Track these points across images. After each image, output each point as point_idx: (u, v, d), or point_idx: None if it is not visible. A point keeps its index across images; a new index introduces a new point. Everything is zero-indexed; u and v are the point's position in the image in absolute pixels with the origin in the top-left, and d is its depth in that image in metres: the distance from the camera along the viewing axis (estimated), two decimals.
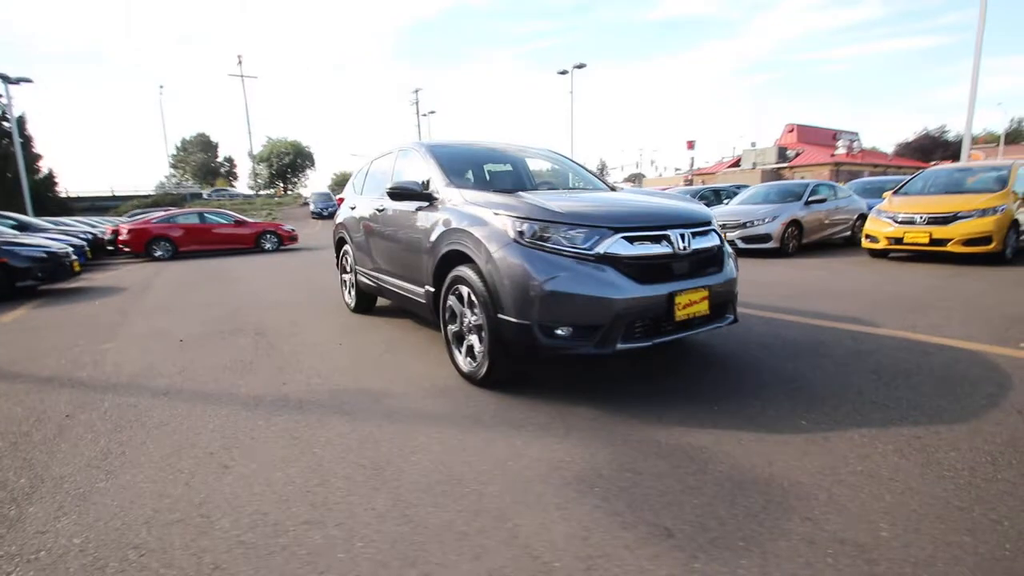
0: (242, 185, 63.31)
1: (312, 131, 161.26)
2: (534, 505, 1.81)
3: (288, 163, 54.89)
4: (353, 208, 4.97)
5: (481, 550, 1.58)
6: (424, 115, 43.61)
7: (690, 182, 38.70)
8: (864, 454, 2.06)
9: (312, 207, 31.01)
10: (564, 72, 25.65)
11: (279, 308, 5.66)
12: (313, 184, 62.37)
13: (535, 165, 4.25)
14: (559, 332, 2.52)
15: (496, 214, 2.79)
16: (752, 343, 3.63)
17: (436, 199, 3.38)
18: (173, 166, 63.48)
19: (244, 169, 71.24)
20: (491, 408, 2.67)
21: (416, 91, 49.93)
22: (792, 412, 2.47)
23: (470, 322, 2.95)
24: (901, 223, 7.33)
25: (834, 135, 39.78)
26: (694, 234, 2.84)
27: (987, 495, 1.77)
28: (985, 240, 6.59)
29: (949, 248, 6.83)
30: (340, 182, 60.94)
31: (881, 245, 7.60)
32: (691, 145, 48.23)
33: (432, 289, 3.35)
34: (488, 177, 3.90)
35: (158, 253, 13.22)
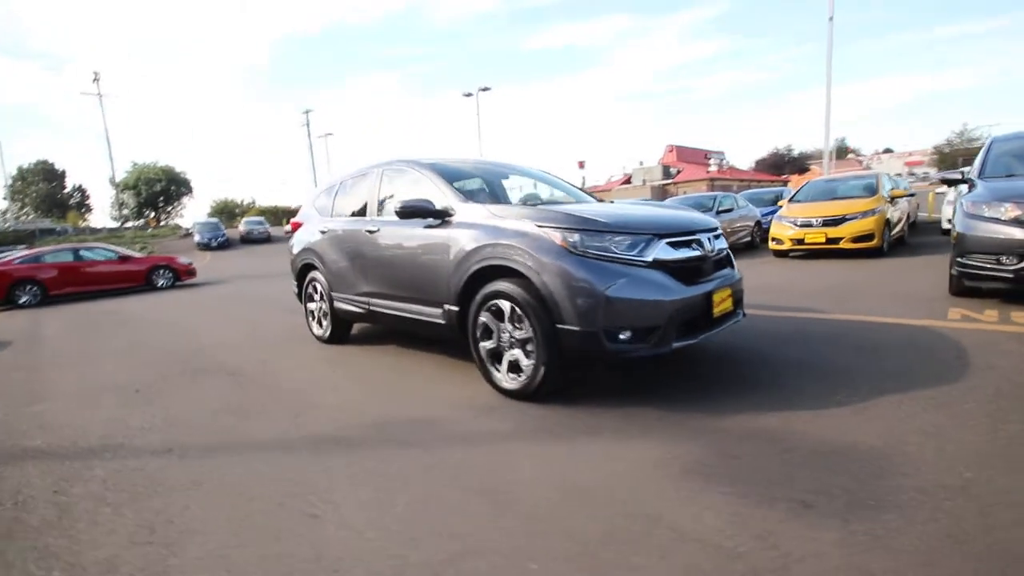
0: (99, 218, 55.51)
1: (185, 156, 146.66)
2: (672, 500, 1.87)
3: (160, 190, 49.22)
4: (324, 232, 4.67)
5: (662, 550, 1.60)
6: (320, 136, 41.64)
7: None
8: (904, 416, 2.40)
9: (197, 238, 28.09)
10: (469, 95, 26.29)
11: (231, 347, 5.09)
12: (191, 213, 56.59)
13: (526, 180, 4.34)
14: (621, 337, 2.62)
15: (539, 226, 2.83)
16: (739, 335, 3.99)
17: (451, 216, 3.33)
18: (9, 198, 53.98)
19: (100, 200, 62.59)
20: (552, 420, 2.67)
21: (307, 112, 47.83)
22: (824, 391, 2.77)
23: (512, 337, 2.93)
24: (801, 226, 8.48)
25: (706, 154, 44.86)
26: (713, 238, 3.11)
27: (1011, 421, 2.16)
28: (869, 237, 7.87)
29: (841, 245, 8.04)
30: (222, 209, 56.03)
31: (785, 246, 8.72)
32: (582, 164, 51.45)
33: (455, 308, 3.28)
34: (497, 192, 3.91)
35: (23, 299, 11.13)
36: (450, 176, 3.63)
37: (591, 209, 3.05)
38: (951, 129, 76.49)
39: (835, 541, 1.58)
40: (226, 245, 28.18)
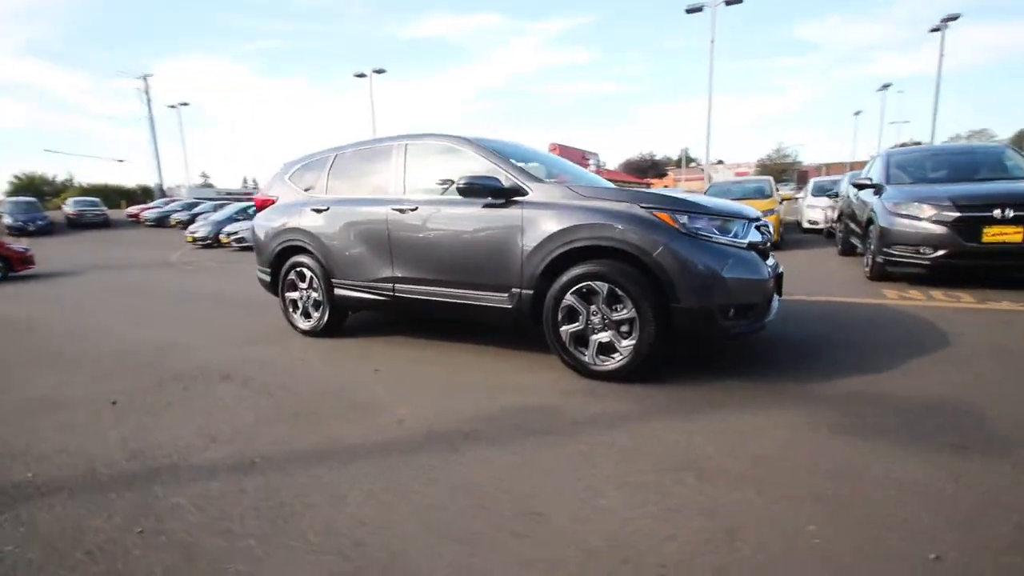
0: None
1: None
2: (855, 457, 2.03)
3: None
4: (320, 210, 4.11)
5: (904, 503, 1.74)
6: (173, 106, 35.83)
7: None
8: (944, 373, 2.89)
9: (7, 220, 22.54)
10: (362, 75, 24.54)
11: (198, 348, 4.23)
12: None
13: (559, 165, 4.26)
14: (730, 314, 2.76)
15: (646, 207, 2.84)
16: None
17: (523, 195, 3.17)
18: None
19: None
20: (666, 398, 2.71)
21: (144, 77, 40.78)
22: (863, 360, 3.19)
23: (607, 319, 2.91)
24: None
25: (583, 154, 47.77)
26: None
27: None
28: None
29: None
30: (27, 187, 45.69)
31: None
32: None
33: (530, 291, 3.14)
34: (554, 173, 3.77)
35: None
36: (507, 154, 3.45)
37: (687, 194, 3.15)
38: (770, 146, 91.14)
39: (1013, 473, 1.88)
40: (48, 230, 23.07)
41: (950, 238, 4.85)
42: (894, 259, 5.29)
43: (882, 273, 5.61)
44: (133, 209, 29.87)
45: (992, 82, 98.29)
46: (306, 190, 4.39)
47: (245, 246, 15.50)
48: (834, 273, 6.61)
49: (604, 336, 2.94)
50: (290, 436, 2.45)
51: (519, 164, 3.36)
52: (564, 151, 44.54)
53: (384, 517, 1.77)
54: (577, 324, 3.02)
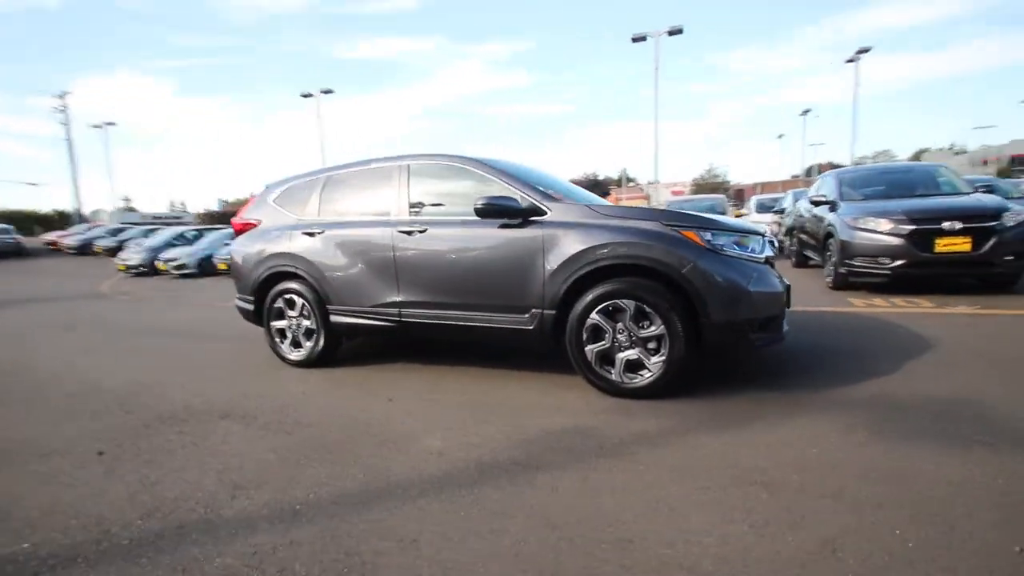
0: None
1: None
2: (904, 460, 2.12)
3: None
4: (314, 234, 3.90)
5: (960, 504, 1.83)
6: (98, 126, 33.25)
7: None
8: (945, 375, 3.10)
9: None
10: (308, 95, 23.85)
11: (178, 385, 3.86)
12: None
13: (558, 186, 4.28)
14: (756, 327, 2.84)
15: (669, 225, 2.89)
16: None
17: (542, 215, 3.16)
18: None
19: None
20: (702, 412, 2.74)
21: (62, 95, 37.89)
22: (879, 364, 3.37)
23: (634, 336, 2.92)
24: None
25: None
26: None
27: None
28: None
29: None
30: None
31: None
32: None
33: (552, 312, 3.10)
34: (564, 191, 3.76)
35: None
36: (515, 174, 3.43)
37: (702, 213, 3.24)
38: (700, 167, 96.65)
39: None
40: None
41: (906, 249, 5.29)
42: (855, 270, 5.69)
43: (844, 283, 6.01)
44: (51, 235, 27.41)
45: (890, 108, 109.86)
46: (295, 213, 4.16)
47: (187, 273, 14.54)
48: (796, 284, 7.02)
49: (631, 354, 2.95)
50: (326, 477, 2.26)
51: (532, 184, 3.35)
52: None
53: (467, 560, 1.66)
54: (603, 343, 3.01)
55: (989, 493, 1.86)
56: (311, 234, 3.94)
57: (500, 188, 3.33)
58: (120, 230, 23.81)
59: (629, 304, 2.91)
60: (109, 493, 2.22)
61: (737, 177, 70.65)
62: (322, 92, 23.52)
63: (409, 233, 3.52)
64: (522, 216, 3.18)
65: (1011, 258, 5.09)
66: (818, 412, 2.67)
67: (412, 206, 3.62)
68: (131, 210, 54.60)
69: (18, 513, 2.08)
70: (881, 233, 5.48)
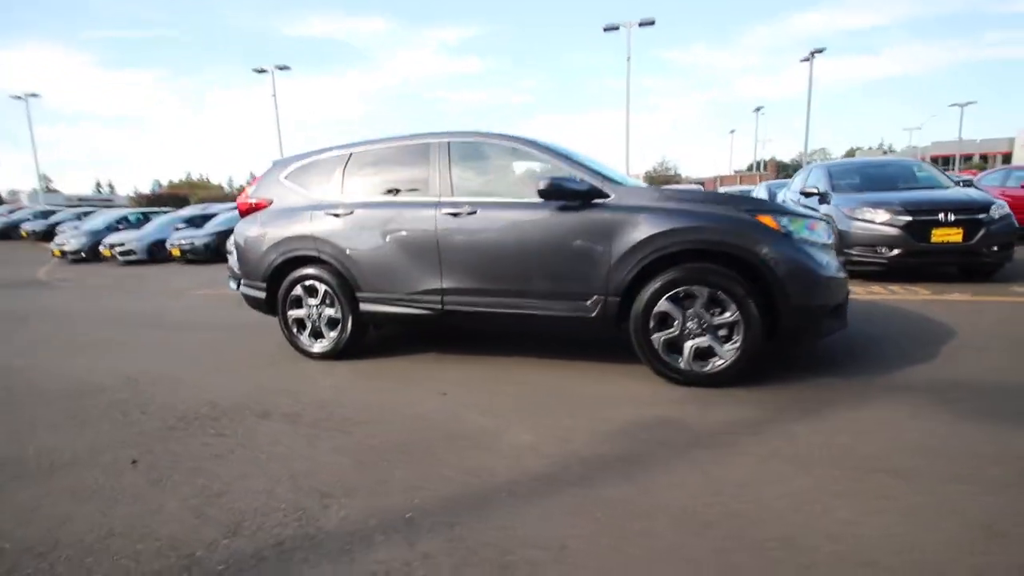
0: None
1: None
2: (1002, 442, 2.16)
3: None
4: (342, 214, 3.58)
5: None
6: (19, 97, 29.84)
7: None
8: (981, 359, 3.22)
9: None
10: (263, 71, 22.26)
11: (175, 380, 3.47)
12: None
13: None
14: (829, 313, 2.83)
15: (744, 209, 2.83)
16: None
17: (605, 198, 3.01)
18: None
19: None
20: (779, 399, 2.70)
21: None
22: (916, 350, 3.44)
23: (707, 323, 2.84)
24: None
25: None
26: None
27: None
28: None
29: None
30: None
31: None
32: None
33: (616, 298, 2.98)
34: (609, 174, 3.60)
35: None
36: (571, 155, 3.26)
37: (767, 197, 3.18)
38: (654, 160, 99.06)
39: None
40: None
41: (904, 239, 5.53)
42: (854, 259, 5.90)
43: None
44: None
45: (826, 107, 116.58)
46: (312, 192, 3.81)
47: (134, 260, 13.41)
48: None
49: (702, 341, 2.88)
50: (418, 480, 2.05)
51: (589, 166, 3.19)
52: None
53: (635, 567, 1.52)
54: (671, 330, 2.92)
55: None
56: (337, 215, 3.61)
57: (556, 169, 3.15)
58: (50, 212, 21.68)
59: (702, 291, 2.82)
60: (167, 508, 1.92)
61: (688, 171, 72.82)
62: (277, 68, 22.07)
63: (456, 215, 3.28)
64: (584, 199, 3.02)
65: (996, 248, 5.43)
66: (886, 397, 2.69)
67: (455, 186, 3.38)
68: (52, 191, 49.86)
69: (67, 538, 1.76)
70: (879, 224, 5.70)
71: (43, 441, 2.57)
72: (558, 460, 2.18)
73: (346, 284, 3.62)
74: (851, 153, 66.70)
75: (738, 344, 2.81)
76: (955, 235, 5.40)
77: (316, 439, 2.47)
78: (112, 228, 15.48)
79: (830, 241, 3.01)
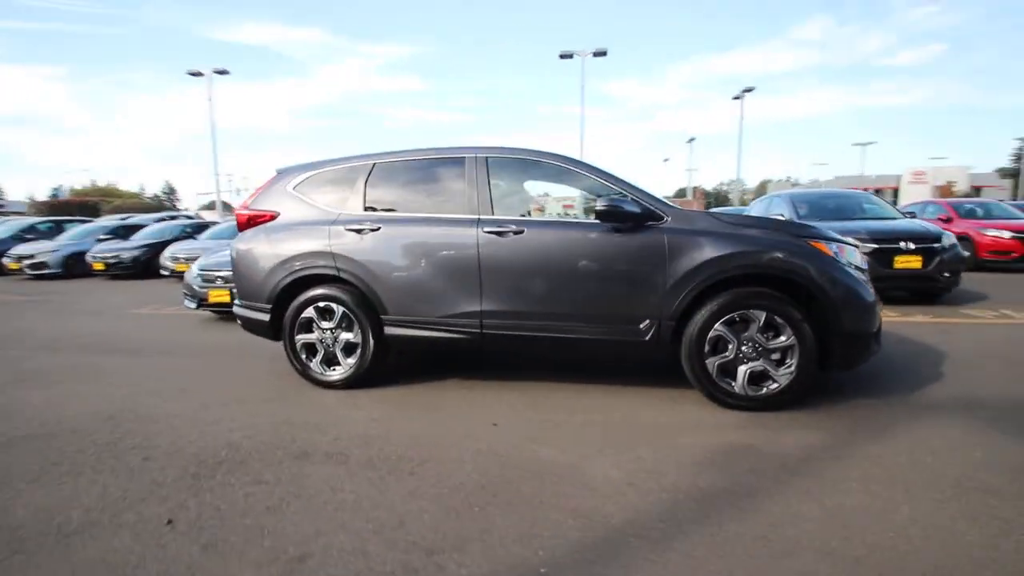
0: None
1: None
2: None
3: None
4: (364, 231, 3.30)
5: None
6: None
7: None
8: (986, 374, 3.49)
9: None
10: (199, 74, 20.63)
11: (160, 417, 3.01)
12: None
13: None
14: (874, 337, 2.93)
15: (797, 235, 2.89)
16: None
17: (660, 221, 2.98)
18: None
19: None
20: (834, 424, 2.74)
21: None
22: (942, 368, 3.68)
23: (762, 347, 2.86)
24: None
25: None
26: None
27: None
28: None
29: None
30: None
31: None
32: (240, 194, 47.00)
33: (671, 322, 2.94)
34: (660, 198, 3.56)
35: None
36: (622, 177, 3.21)
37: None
38: None
39: None
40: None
41: (871, 266, 5.97)
42: None
43: None
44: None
45: (734, 140, 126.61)
46: (328, 205, 3.51)
47: (47, 274, 11.87)
48: None
49: (756, 365, 2.89)
50: (529, 527, 1.85)
51: (641, 189, 3.16)
52: None
53: None
54: (725, 354, 2.91)
55: None
56: (360, 231, 3.33)
57: (608, 190, 3.10)
58: None
59: (758, 315, 2.85)
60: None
61: None
62: (215, 72, 20.56)
63: (501, 234, 3.12)
64: (639, 221, 2.98)
65: (948, 275, 6.00)
66: (931, 416, 2.81)
67: (496, 203, 3.23)
68: None
69: None
70: None
71: (33, 499, 2.10)
72: (663, 496, 2.05)
73: (369, 306, 3.33)
74: (764, 185, 72.60)
75: (792, 368, 2.84)
76: (915, 262, 5.91)
77: (381, 482, 2.19)
78: (18, 238, 13.65)
79: (866, 267, 3.15)
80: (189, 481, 2.23)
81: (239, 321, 3.77)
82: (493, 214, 3.22)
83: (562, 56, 18.84)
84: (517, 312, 3.16)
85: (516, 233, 3.12)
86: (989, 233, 9.47)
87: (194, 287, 5.94)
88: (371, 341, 3.34)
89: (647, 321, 2.99)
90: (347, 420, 2.92)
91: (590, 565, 1.64)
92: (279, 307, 3.50)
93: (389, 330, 3.33)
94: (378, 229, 3.32)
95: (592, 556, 1.69)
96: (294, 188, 3.63)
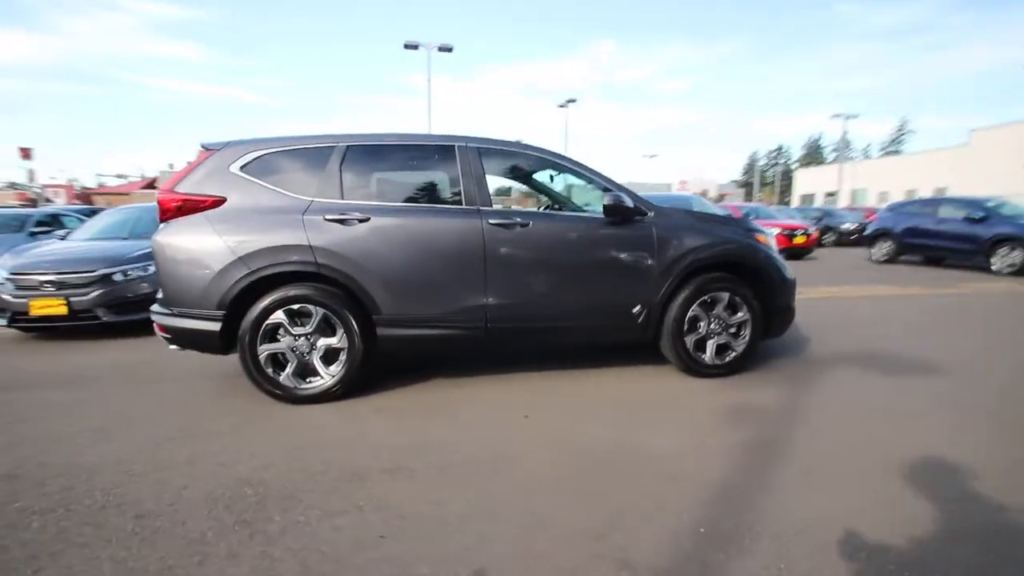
0: None
1: None
2: None
3: None
4: (358, 220, 2.93)
5: None
6: None
7: (33, 202, 29.47)
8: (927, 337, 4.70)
9: None
10: None
11: (128, 457, 2.27)
12: None
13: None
14: (792, 310, 3.72)
15: (744, 230, 3.51)
16: None
17: (644, 216, 3.31)
18: None
19: None
20: (791, 377, 3.45)
21: None
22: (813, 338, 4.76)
23: (725, 323, 3.42)
24: None
25: None
26: None
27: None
28: None
29: None
30: None
31: None
32: (27, 154, 36.84)
33: (659, 307, 3.31)
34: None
35: None
36: (603, 174, 3.44)
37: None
38: None
39: None
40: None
41: None
42: None
43: None
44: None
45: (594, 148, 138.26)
46: (292, 191, 3.00)
47: None
48: None
49: (722, 339, 3.45)
50: (653, 498, 1.98)
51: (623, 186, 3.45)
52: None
53: None
54: (699, 331, 3.41)
55: None
56: (344, 221, 2.95)
57: (601, 186, 3.33)
58: None
59: (723, 296, 3.40)
60: None
61: None
62: None
63: (507, 226, 3.09)
64: (634, 215, 3.27)
65: None
66: (829, 367, 3.73)
67: (498, 195, 3.19)
68: None
69: None
70: None
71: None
72: (721, 450, 2.37)
73: (357, 306, 2.99)
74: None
75: (746, 338, 3.47)
76: None
77: (477, 488, 2.07)
78: None
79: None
80: (243, 530, 1.79)
81: (165, 335, 2.99)
82: (491, 206, 3.18)
83: (407, 46, 18.35)
84: (524, 305, 3.18)
85: (522, 226, 3.14)
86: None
87: (4, 297, 4.38)
88: (359, 345, 3.00)
89: (639, 306, 3.31)
90: (366, 434, 2.60)
91: (730, 513, 1.86)
92: (233, 313, 2.89)
93: (382, 331, 3.03)
94: (367, 219, 2.99)
95: (717, 507, 1.91)
96: (241, 169, 3.01)
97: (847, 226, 16.46)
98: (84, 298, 4.49)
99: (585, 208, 3.65)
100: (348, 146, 3.14)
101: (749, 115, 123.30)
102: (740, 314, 3.44)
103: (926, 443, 2.45)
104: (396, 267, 3.02)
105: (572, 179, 3.52)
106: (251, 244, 2.88)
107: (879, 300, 6.70)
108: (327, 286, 2.97)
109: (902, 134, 68.34)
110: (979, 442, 2.48)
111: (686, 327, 3.36)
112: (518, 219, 3.15)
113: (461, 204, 3.14)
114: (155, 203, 3.28)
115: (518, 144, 3.37)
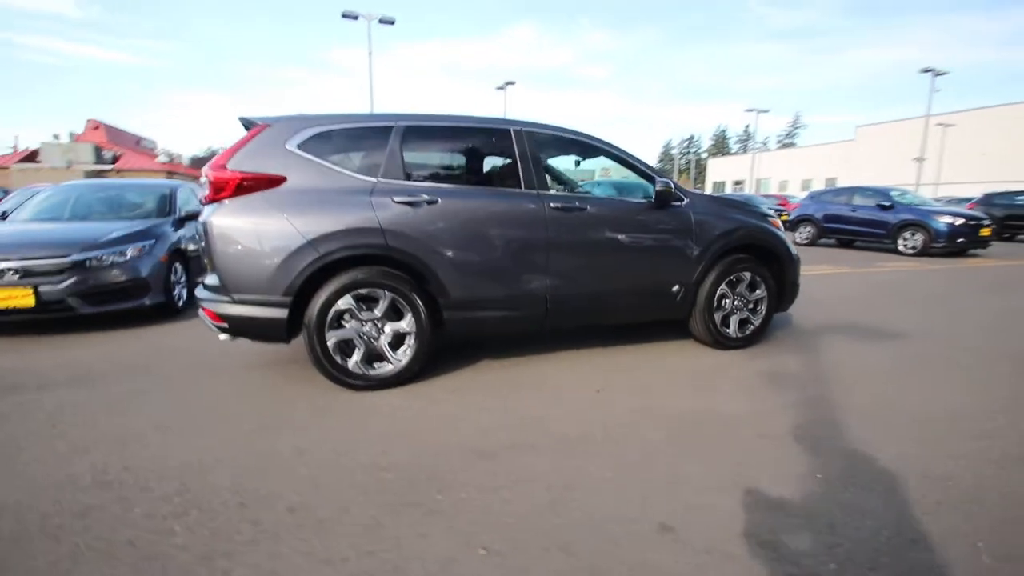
0: None
1: None
2: None
3: None
4: (425, 202, 2.89)
5: None
6: None
7: None
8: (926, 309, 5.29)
9: None
10: None
11: (215, 464, 2.14)
12: None
13: None
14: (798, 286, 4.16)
15: (764, 216, 3.86)
16: None
17: (680, 202, 3.55)
18: None
19: None
20: (805, 347, 3.88)
21: None
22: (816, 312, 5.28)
23: (744, 300, 3.77)
24: None
25: (137, 140, 37.62)
26: None
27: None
28: None
29: None
30: None
31: None
32: None
33: (694, 286, 3.59)
34: None
35: None
36: (635, 156, 3.62)
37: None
38: None
39: None
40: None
41: None
42: None
43: None
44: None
45: None
46: (354, 171, 2.88)
47: None
48: None
49: (743, 314, 3.80)
50: (775, 460, 2.23)
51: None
52: (112, 133, 33.86)
53: None
54: (725, 308, 3.74)
55: None
56: (413, 203, 2.89)
57: (642, 172, 3.51)
58: None
59: (746, 275, 3.75)
60: None
61: None
62: None
63: (566, 210, 3.19)
64: (676, 200, 3.50)
65: None
66: (827, 335, 4.24)
67: (546, 179, 3.26)
68: None
69: None
70: None
71: None
72: (787, 407, 2.68)
73: (426, 289, 2.96)
74: None
75: (763, 313, 3.86)
76: None
77: (613, 457, 2.20)
78: None
79: None
80: (415, 510, 1.79)
81: (219, 324, 2.78)
82: (548, 190, 3.26)
83: (345, 16, 17.26)
84: (580, 286, 3.31)
85: (580, 210, 3.26)
86: None
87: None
88: (427, 329, 2.99)
89: (677, 286, 3.57)
90: (457, 415, 2.63)
91: (828, 461, 2.16)
92: (300, 299, 2.76)
93: (449, 314, 3.03)
94: (435, 202, 2.95)
95: (816, 456, 2.20)
96: (298, 146, 2.84)
97: None
98: (56, 287, 3.97)
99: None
100: (407, 126, 3.07)
101: (664, 104, 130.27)
102: (759, 291, 3.82)
103: (936, 394, 2.93)
104: (464, 250, 3.02)
105: (618, 168, 3.68)
106: (321, 227, 2.75)
107: (824, 279, 7.54)
108: (394, 269, 2.91)
109: (796, 128, 75.42)
110: (974, 391, 3.00)
111: (715, 305, 3.68)
112: (576, 204, 3.27)
113: (520, 188, 3.19)
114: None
115: (564, 129, 3.46)
